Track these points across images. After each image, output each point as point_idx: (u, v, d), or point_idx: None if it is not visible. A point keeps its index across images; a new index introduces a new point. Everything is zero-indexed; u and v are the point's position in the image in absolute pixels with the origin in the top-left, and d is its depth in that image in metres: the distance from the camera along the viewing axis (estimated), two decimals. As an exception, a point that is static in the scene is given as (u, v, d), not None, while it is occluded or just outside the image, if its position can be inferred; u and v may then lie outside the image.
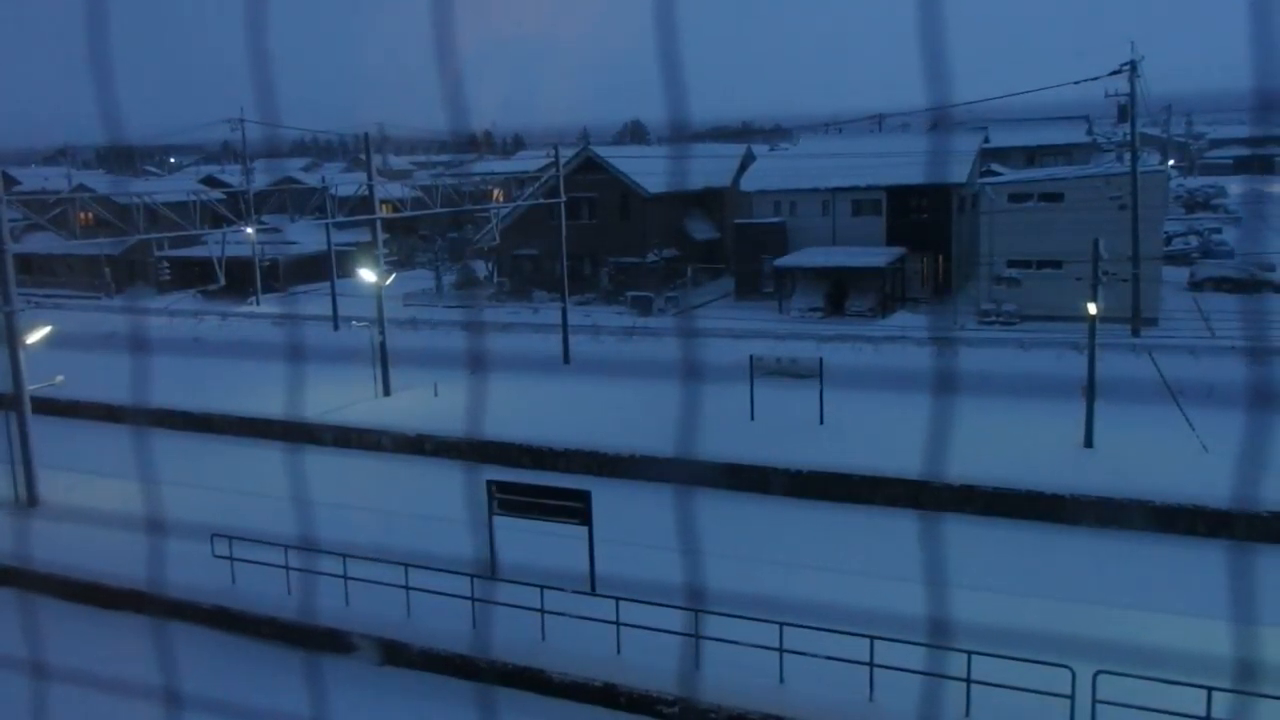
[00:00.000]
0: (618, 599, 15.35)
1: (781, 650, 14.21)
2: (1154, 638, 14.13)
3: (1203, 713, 11.95)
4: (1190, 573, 17.27)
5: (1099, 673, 12.47)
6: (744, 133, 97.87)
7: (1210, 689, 11.84)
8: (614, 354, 36.77)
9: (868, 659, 13.71)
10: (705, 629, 14.58)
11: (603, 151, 51.15)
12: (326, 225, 44.20)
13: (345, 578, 17.49)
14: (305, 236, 57.55)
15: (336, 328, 44.31)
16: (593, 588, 16.79)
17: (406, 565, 16.97)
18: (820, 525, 21.54)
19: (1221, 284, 44.43)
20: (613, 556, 17.32)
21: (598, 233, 49.69)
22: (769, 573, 17.98)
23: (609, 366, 34.09)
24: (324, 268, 49.49)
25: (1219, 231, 57.24)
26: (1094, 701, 12.51)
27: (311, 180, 68.48)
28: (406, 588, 16.93)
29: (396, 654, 16.79)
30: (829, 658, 13.93)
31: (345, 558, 17.49)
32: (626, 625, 15.23)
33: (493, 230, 44.42)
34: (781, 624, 14.18)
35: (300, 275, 58.44)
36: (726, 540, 20.22)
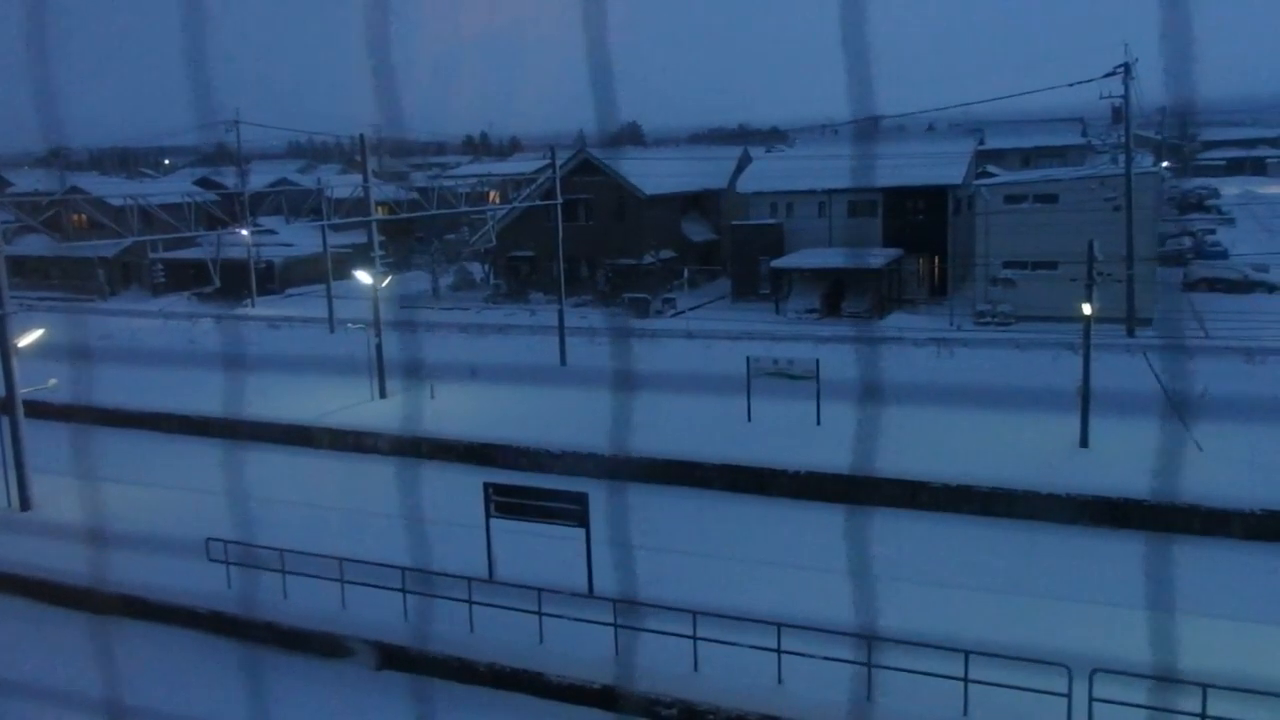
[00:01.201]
0: (615, 601, 15.33)
1: (780, 651, 14.19)
2: (1150, 636, 14.14)
3: (1199, 711, 11.96)
4: (1187, 571, 17.27)
5: (1095, 671, 12.47)
6: (741, 135, 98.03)
7: (1206, 687, 11.86)
8: (612, 356, 36.73)
9: (865, 659, 13.69)
10: (703, 630, 14.57)
11: (599, 153, 51.18)
12: (322, 227, 44.12)
13: (341, 581, 17.44)
14: (301, 238, 57.45)
15: (332, 330, 44.23)
16: (590, 590, 16.76)
17: (404, 569, 16.92)
18: (819, 525, 21.51)
19: (1215, 284, 44.58)
20: (611, 558, 17.27)
21: (594, 234, 49.67)
22: (767, 573, 17.97)
23: (606, 369, 34.06)
24: (320, 270, 49.42)
25: (1212, 232, 57.41)
26: (1091, 700, 12.52)
27: (307, 182, 68.41)
28: (403, 590, 16.88)
29: (393, 657, 16.75)
30: (827, 658, 13.91)
31: (341, 560, 17.46)
32: (624, 627, 15.21)
33: (489, 232, 44.41)
34: (780, 624, 14.17)
35: (296, 277, 58.37)
36: (724, 540, 20.25)
